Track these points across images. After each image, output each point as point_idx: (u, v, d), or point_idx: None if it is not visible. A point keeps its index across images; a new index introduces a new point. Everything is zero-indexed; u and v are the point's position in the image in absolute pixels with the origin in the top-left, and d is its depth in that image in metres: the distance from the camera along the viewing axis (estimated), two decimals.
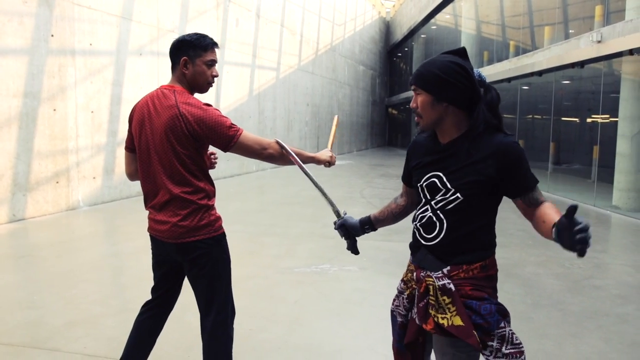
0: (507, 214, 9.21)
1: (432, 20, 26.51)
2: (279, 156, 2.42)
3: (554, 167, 13.84)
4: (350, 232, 2.26)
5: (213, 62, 2.45)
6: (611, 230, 8.44)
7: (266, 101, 16.84)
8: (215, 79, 2.52)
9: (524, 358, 1.82)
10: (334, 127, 2.81)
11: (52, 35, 8.21)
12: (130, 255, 5.89)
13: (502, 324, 1.83)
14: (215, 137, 2.31)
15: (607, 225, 8.71)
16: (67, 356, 3.30)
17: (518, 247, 6.61)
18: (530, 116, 16.45)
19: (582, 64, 11.23)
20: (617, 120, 10.11)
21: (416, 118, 1.94)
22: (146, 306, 2.63)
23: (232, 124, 2.35)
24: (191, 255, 2.38)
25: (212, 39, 2.46)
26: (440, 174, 1.92)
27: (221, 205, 9.39)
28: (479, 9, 20.06)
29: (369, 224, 2.26)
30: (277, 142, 2.45)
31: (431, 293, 1.90)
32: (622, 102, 9.89)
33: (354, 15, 28.99)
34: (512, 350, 1.81)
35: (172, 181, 2.34)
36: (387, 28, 39.63)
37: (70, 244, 6.53)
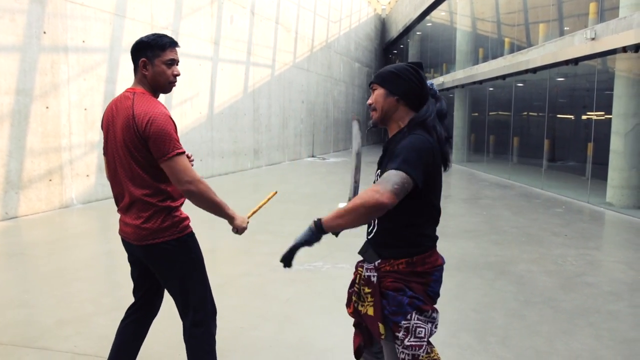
0: (500, 211, 9.25)
1: (428, 18, 26.49)
2: (199, 197, 2.29)
3: (548, 164, 13.87)
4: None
5: (173, 62, 2.40)
6: (605, 227, 8.47)
7: (261, 98, 16.81)
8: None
9: (424, 350, 1.94)
10: (265, 200, 2.75)
11: (45, 32, 8.17)
12: (123, 253, 5.82)
13: (409, 317, 1.94)
14: (155, 143, 2.24)
15: (601, 222, 8.73)
16: (57, 355, 3.29)
17: (511, 244, 6.62)
18: (525, 113, 16.47)
19: (576, 61, 11.25)
20: (611, 118, 10.13)
21: (371, 113, 2.12)
22: (129, 310, 2.61)
23: (178, 142, 2.28)
24: (156, 258, 2.38)
25: (171, 38, 2.41)
26: (379, 172, 2.11)
27: None
28: (474, 6, 20.06)
29: None
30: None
31: (357, 282, 2.12)
32: (616, 99, 9.91)
33: (349, 12, 28.94)
34: (413, 343, 1.93)
35: (133, 184, 2.33)
36: (382, 25, 39.59)
37: (63, 242, 6.50)
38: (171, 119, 2.33)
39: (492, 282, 4.99)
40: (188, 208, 2.41)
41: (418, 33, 29.63)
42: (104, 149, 2.54)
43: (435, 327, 2.01)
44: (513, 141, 15.79)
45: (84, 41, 8.96)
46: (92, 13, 9.14)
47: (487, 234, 7.26)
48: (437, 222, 2.09)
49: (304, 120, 21.56)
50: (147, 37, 2.39)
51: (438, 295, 2.06)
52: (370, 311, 2.00)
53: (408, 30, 30.72)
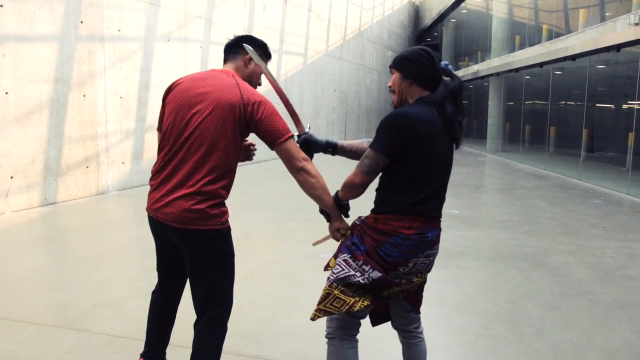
0: (536, 201, 9.06)
1: (463, 4, 25.98)
2: (312, 174, 2.36)
3: (586, 155, 13.51)
4: (312, 147, 2.54)
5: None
6: None
7: (293, 87, 16.81)
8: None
9: (329, 282, 2.22)
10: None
11: (82, 22, 8.32)
12: None
13: (343, 256, 2.24)
14: (266, 127, 2.31)
15: None
16: (94, 337, 3.37)
17: (547, 235, 6.48)
18: (563, 102, 16.06)
19: (618, 47, 10.87)
20: None
21: (392, 96, 2.34)
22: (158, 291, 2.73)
23: (287, 126, 2.36)
24: (195, 244, 2.33)
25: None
26: None
27: (248, 190, 9.44)
28: None
29: (332, 148, 2.57)
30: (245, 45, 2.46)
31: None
32: None
33: None
34: (330, 274, 2.25)
35: (201, 163, 2.35)
36: (416, 13, 39.01)
37: (99, 228, 6.65)
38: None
39: (527, 273, 4.89)
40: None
41: (453, 20, 29.12)
42: (164, 122, 2.42)
43: (364, 280, 2.16)
44: (549, 131, 15.42)
45: (119, 30, 9.09)
46: (127, 2, 9.26)
47: (521, 224, 7.12)
48: (421, 192, 2.18)
49: (336, 109, 21.50)
50: (259, 39, 2.52)
51: (394, 260, 2.17)
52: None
53: (442, 17, 30.21)
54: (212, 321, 2.36)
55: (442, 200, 2.33)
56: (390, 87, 2.33)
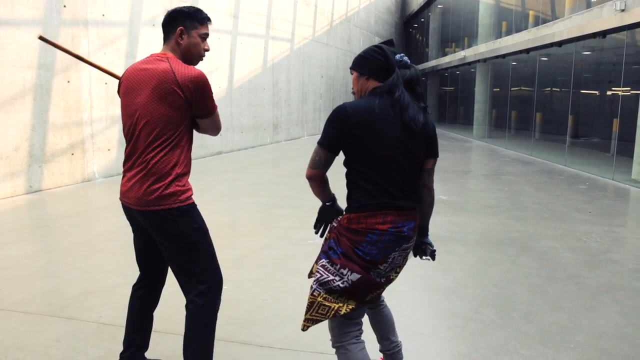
0: (522, 187, 9.13)
1: None
2: (218, 129, 2.52)
3: (572, 141, 13.62)
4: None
5: (206, 36, 2.47)
6: (630, 204, 8.31)
7: (280, 73, 16.70)
8: (207, 52, 2.54)
9: (312, 290, 2.22)
10: (106, 69, 2.78)
11: (65, 6, 8.16)
12: None
13: (320, 261, 2.25)
14: (200, 102, 2.35)
15: (626, 199, 8.58)
16: (83, 324, 3.35)
17: (533, 220, 6.54)
18: (549, 88, 16.14)
19: (604, 33, 10.93)
20: (638, 93, 9.86)
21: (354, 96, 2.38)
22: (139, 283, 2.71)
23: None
24: (159, 225, 2.39)
25: (206, 14, 2.49)
26: None
27: (235, 177, 9.37)
28: None
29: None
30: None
31: None
32: None
33: None
34: (312, 282, 2.25)
35: (151, 146, 2.40)
36: None
37: (86, 215, 6.59)
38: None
39: (515, 258, 4.94)
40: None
41: (440, 6, 29.05)
42: (121, 114, 2.50)
43: (343, 283, 2.15)
44: (535, 117, 15.51)
45: (103, 15, 8.94)
46: None
47: (508, 209, 7.17)
48: (382, 181, 2.16)
49: (323, 95, 21.42)
50: (187, 7, 2.44)
51: (373, 257, 2.15)
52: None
53: (429, 3, 30.12)
54: (199, 297, 2.38)
55: (412, 186, 2.26)
56: (352, 89, 2.40)
